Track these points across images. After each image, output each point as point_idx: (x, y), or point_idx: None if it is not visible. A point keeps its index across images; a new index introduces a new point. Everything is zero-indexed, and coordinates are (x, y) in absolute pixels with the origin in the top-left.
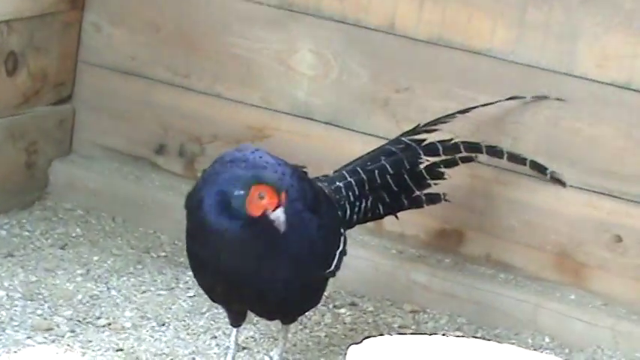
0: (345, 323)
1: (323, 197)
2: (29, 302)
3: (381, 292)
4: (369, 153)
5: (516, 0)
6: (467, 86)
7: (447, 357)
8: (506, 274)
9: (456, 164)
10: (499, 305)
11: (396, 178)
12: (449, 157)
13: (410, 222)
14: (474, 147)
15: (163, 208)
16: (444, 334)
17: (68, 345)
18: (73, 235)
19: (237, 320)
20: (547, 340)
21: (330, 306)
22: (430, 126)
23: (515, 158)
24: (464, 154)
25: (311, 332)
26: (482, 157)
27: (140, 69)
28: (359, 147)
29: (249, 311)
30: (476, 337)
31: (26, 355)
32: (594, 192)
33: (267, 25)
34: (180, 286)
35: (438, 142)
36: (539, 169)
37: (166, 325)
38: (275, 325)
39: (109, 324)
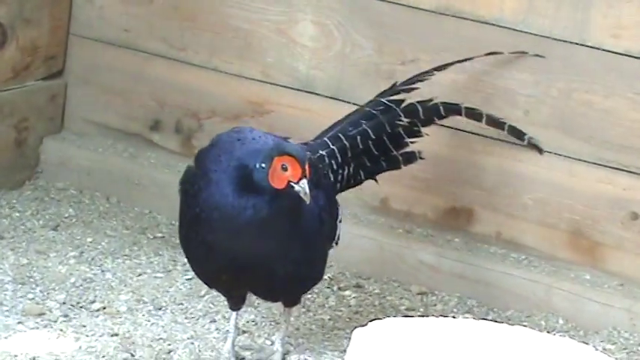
0: (349, 306)
1: (320, 169)
2: (20, 286)
3: (388, 274)
4: (348, 116)
5: None
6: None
7: (457, 340)
8: (518, 254)
9: (434, 122)
10: (511, 286)
11: (376, 142)
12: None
13: (417, 200)
14: (453, 108)
15: (160, 187)
16: (453, 317)
17: (61, 330)
18: (66, 215)
19: (237, 304)
20: (561, 322)
21: (335, 288)
22: (407, 85)
23: (494, 122)
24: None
25: (315, 315)
26: (492, 132)
27: (134, 42)
28: None
29: (253, 294)
30: (486, 320)
31: (17, 340)
32: (609, 167)
33: None
34: (178, 268)
35: (418, 102)
36: (517, 134)
37: (163, 308)
38: (277, 307)
39: (104, 308)
